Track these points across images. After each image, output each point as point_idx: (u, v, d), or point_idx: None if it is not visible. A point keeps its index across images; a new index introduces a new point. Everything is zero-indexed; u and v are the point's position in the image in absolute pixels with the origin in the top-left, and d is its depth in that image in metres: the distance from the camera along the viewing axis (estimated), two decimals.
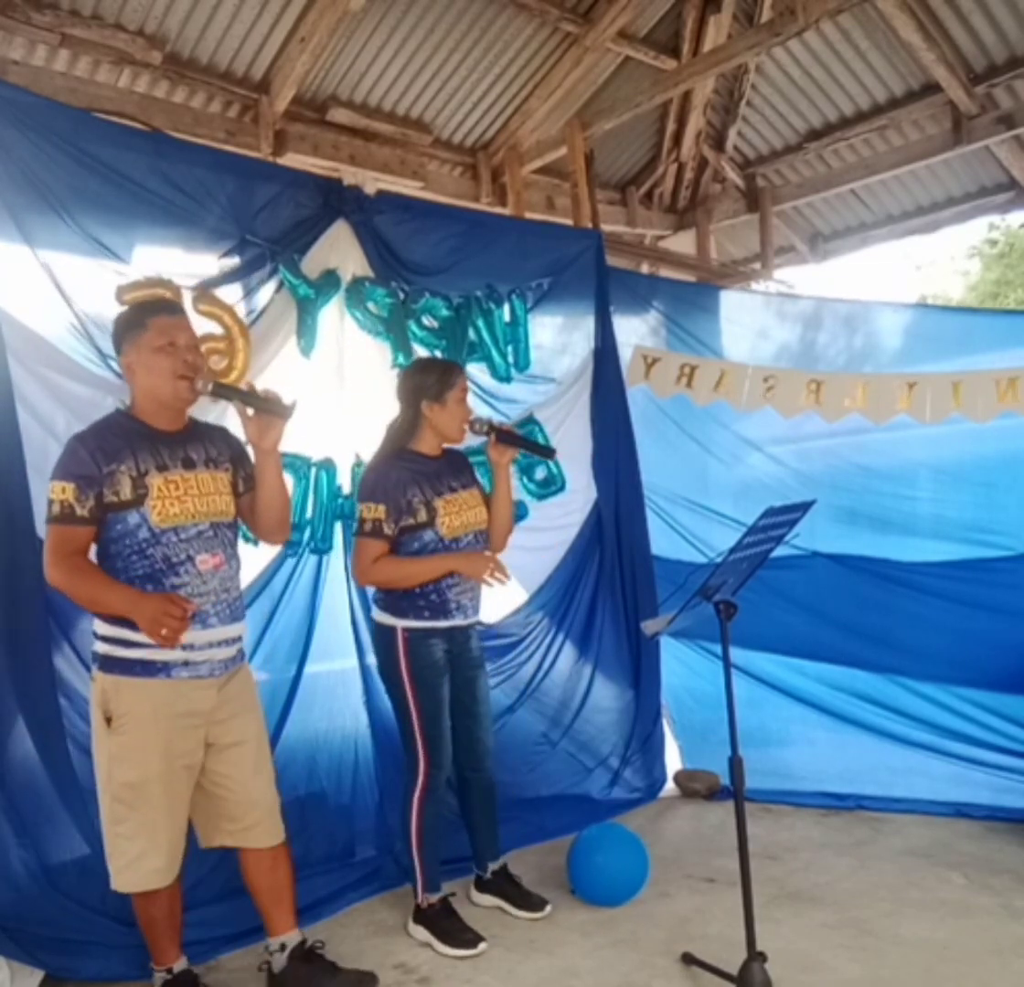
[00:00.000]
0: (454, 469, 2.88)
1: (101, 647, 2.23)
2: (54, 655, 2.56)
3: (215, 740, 2.31)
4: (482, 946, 2.68)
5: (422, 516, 2.72)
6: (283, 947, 2.42)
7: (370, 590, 2.94)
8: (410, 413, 2.81)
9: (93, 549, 2.24)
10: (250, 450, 2.43)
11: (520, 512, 3.61)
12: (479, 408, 3.58)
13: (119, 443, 2.22)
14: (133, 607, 2.13)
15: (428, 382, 2.79)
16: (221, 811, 2.35)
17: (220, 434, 2.46)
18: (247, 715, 2.39)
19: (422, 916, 2.78)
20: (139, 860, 2.21)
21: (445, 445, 2.88)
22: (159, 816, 2.21)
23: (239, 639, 2.38)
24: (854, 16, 4.75)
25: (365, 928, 2.86)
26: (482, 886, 3.01)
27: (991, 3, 4.55)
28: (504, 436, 2.83)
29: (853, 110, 5.51)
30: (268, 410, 2.30)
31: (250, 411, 2.31)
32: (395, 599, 2.76)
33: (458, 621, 2.79)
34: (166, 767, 2.21)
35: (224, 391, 2.33)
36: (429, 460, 2.82)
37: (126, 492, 2.18)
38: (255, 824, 2.36)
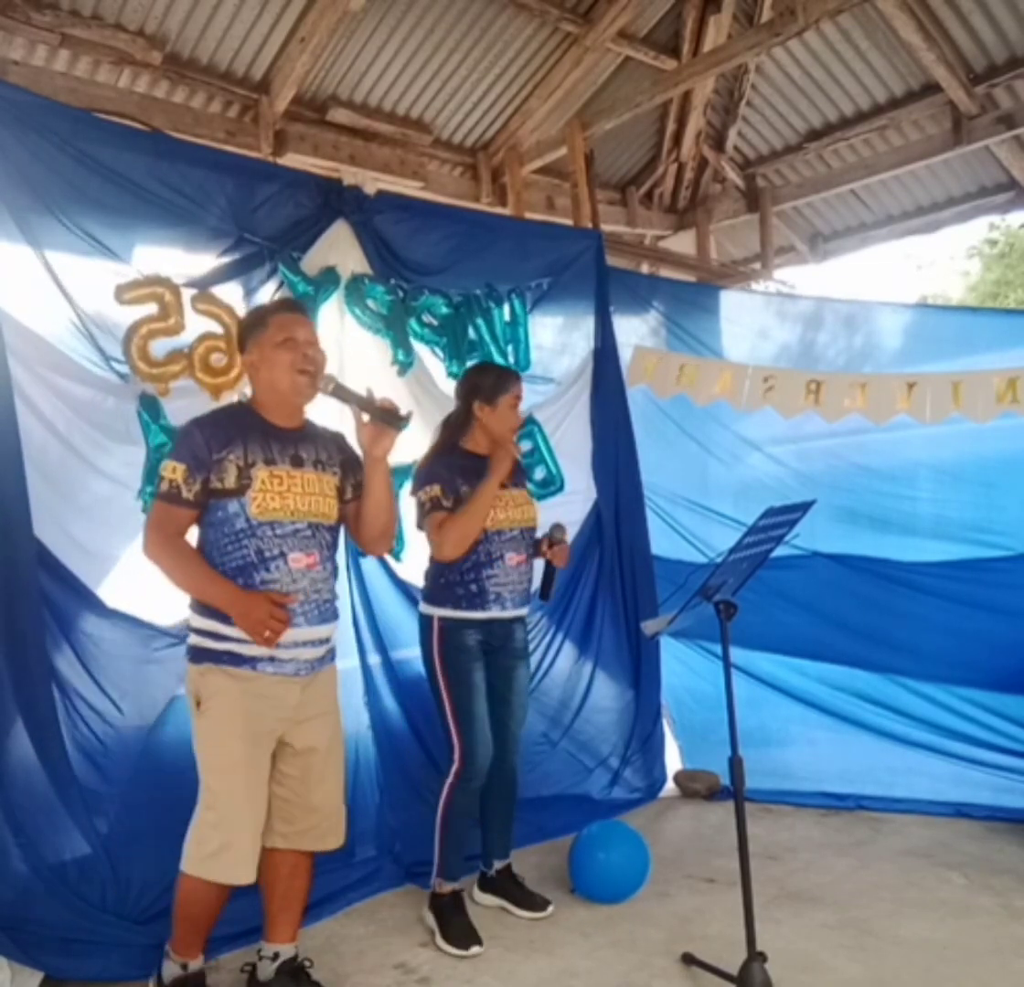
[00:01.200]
0: None
1: (194, 639, 2.26)
2: (53, 654, 2.55)
3: (291, 741, 2.29)
4: (475, 949, 2.68)
5: None
6: (276, 956, 2.39)
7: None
8: (464, 411, 2.89)
9: (194, 534, 2.27)
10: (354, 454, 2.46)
11: None
12: None
13: (233, 432, 2.25)
14: (234, 604, 2.16)
15: (484, 383, 2.88)
16: (279, 812, 2.32)
17: (334, 439, 2.46)
18: (326, 718, 2.39)
19: (435, 904, 2.81)
20: (223, 851, 2.18)
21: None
22: (241, 806, 2.20)
23: (328, 640, 2.37)
24: (854, 16, 4.75)
25: (365, 928, 2.86)
26: (485, 885, 3.02)
27: (991, 3, 4.55)
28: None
29: (853, 110, 5.51)
30: (383, 419, 2.30)
31: (365, 417, 2.32)
32: (438, 588, 2.81)
33: (496, 613, 2.81)
34: (249, 752, 2.20)
35: (343, 393, 2.32)
36: (479, 458, 2.85)
37: (231, 480, 2.20)
38: (311, 828, 2.35)
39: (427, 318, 3.42)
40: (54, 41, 3.91)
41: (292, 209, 3.06)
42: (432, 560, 2.87)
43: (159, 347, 2.73)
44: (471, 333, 3.52)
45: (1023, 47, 4.72)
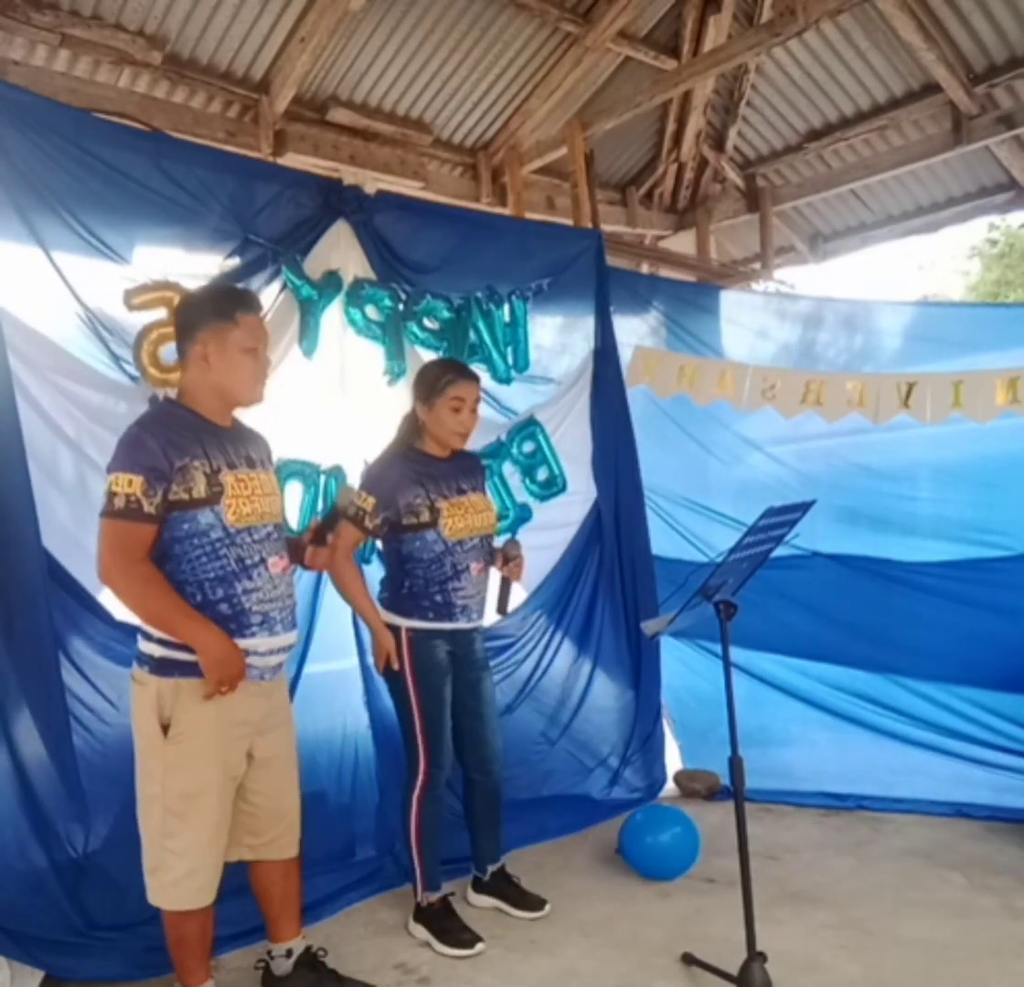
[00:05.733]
0: (464, 471, 2.86)
1: (156, 649, 2.09)
2: (60, 658, 2.53)
3: (255, 753, 2.24)
4: (479, 946, 2.68)
5: (425, 516, 2.71)
6: (290, 953, 2.40)
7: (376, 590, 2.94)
8: (412, 412, 2.85)
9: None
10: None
11: (524, 515, 3.63)
12: (480, 410, 3.56)
13: (188, 436, 2.09)
14: (212, 646, 2.04)
15: (421, 383, 2.83)
16: (246, 826, 2.28)
17: (259, 437, 2.38)
18: (285, 727, 2.36)
19: (422, 915, 2.78)
20: (187, 878, 2.12)
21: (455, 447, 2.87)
22: (210, 831, 2.14)
23: (292, 647, 2.33)
24: (854, 16, 4.75)
25: (365, 928, 2.86)
26: (479, 887, 3.01)
27: (991, 3, 4.55)
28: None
29: (853, 110, 5.52)
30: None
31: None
32: (401, 599, 2.77)
33: (461, 624, 2.79)
34: (222, 778, 2.14)
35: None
36: (435, 461, 2.81)
37: (200, 489, 2.05)
38: (277, 837, 2.33)
39: (428, 323, 3.40)
40: (54, 41, 3.91)
41: (294, 210, 3.04)
42: (391, 566, 2.83)
43: (169, 352, 2.70)
44: (472, 336, 3.50)
45: (1023, 47, 4.73)
